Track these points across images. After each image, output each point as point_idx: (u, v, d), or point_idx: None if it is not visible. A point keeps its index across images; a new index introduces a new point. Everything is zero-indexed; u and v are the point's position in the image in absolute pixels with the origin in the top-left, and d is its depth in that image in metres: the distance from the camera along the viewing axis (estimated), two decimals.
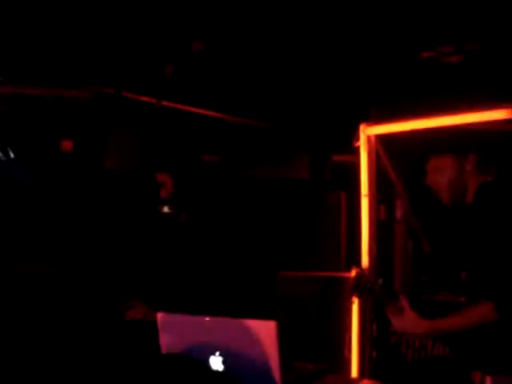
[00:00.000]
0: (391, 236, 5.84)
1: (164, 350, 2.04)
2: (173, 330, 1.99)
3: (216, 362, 1.90)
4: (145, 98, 4.46)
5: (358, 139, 4.92)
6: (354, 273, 2.54)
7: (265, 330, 1.79)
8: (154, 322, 2.32)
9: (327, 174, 6.35)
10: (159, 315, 2.00)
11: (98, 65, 3.94)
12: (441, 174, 2.45)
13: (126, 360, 2.63)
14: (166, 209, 6.11)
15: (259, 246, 5.34)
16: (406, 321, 2.28)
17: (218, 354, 1.89)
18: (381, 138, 4.89)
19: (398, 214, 6.05)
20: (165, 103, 4.56)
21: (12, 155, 3.92)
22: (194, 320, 1.93)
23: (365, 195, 4.78)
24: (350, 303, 4.62)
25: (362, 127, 4.83)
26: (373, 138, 4.82)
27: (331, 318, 4.78)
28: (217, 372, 1.90)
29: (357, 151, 5.09)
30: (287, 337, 1.95)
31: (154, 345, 2.22)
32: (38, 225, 4.60)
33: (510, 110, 4.07)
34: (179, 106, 4.67)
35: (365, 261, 4.71)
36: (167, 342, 2.00)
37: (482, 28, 3.81)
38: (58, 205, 4.69)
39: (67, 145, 4.81)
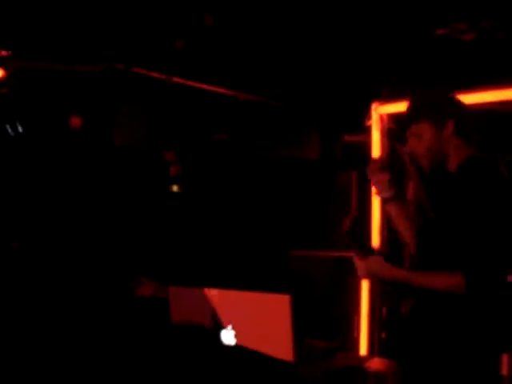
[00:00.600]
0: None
1: (175, 323, 2.02)
2: (184, 304, 1.97)
3: (228, 336, 1.87)
4: (155, 74, 4.41)
5: (369, 118, 4.88)
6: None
7: (278, 304, 1.76)
8: (165, 299, 2.30)
9: (338, 154, 6.31)
10: (170, 289, 1.97)
11: (107, 39, 3.89)
12: (419, 140, 2.44)
13: (136, 335, 2.61)
14: (175, 188, 6.12)
15: (270, 225, 5.34)
16: (372, 263, 2.30)
17: (229, 327, 1.86)
18: (393, 117, 4.85)
19: (409, 194, 6.01)
20: (175, 79, 4.51)
21: (20, 129, 3.90)
22: (206, 293, 1.91)
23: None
24: (360, 283, 4.61)
25: (373, 106, 4.79)
26: (385, 117, 4.78)
27: (341, 298, 4.77)
28: (228, 346, 1.88)
29: (368, 130, 5.05)
30: (298, 315, 1.93)
31: (164, 320, 2.20)
32: (47, 201, 4.59)
33: None
34: (189, 83, 4.62)
35: (375, 241, 4.69)
36: (179, 315, 1.98)
37: (497, 5, 3.74)
38: (66, 181, 4.67)
39: (76, 121, 4.77)
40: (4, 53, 3.93)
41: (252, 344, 1.80)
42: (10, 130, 3.84)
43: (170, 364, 2.06)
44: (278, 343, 1.80)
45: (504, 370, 1.85)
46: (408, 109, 2.55)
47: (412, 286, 2.32)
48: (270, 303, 1.81)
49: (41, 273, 3.92)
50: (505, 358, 1.87)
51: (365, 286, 4.57)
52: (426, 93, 2.59)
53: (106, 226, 4.65)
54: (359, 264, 2.39)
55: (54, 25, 3.86)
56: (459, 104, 2.52)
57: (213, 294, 1.90)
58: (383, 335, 4.52)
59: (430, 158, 2.44)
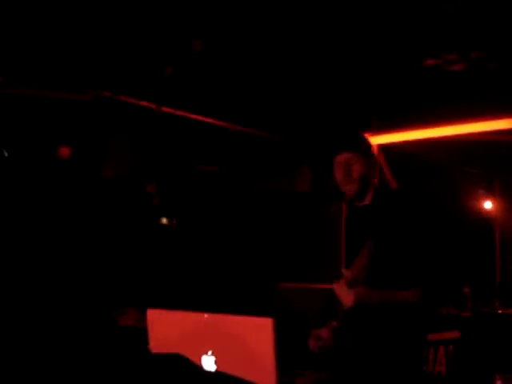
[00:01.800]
0: None
1: (154, 348, 1.95)
2: (163, 328, 1.90)
3: (208, 362, 1.80)
4: (144, 103, 4.40)
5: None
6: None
7: (260, 328, 1.69)
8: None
9: (329, 186, 6.28)
10: (148, 312, 1.90)
11: (96, 67, 3.88)
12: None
13: (116, 364, 2.54)
14: (164, 220, 6.06)
15: (258, 257, 5.28)
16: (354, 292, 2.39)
17: (210, 353, 1.79)
18: (382, 149, 4.84)
19: None
20: (164, 109, 4.49)
21: (6, 154, 3.85)
22: (185, 316, 1.84)
23: None
24: None
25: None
26: (375, 148, 4.77)
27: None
28: (209, 372, 1.80)
29: None
30: (287, 347, 1.87)
31: (145, 350, 2.13)
32: (36, 231, 4.53)
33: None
34: (179, 113, 4.60)
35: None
36: (157, 340, 1.91)
37: (487, 36, 3.75)
38: (54, 211, 4.62)
39: (65, 151, 4.74)
40: None
41: (233, 370, 1.73)
42: None
43: None
44: (260, 369, 1.73)
45: None
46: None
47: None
48: (252, 327, 1.74)
49: (30, 298, 3.85)
50: (498, 379, 1.85)
51: None
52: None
53: (93, 255, 4.58)
54: (346, 293, 2.47)
55: (44, 52, 3.85)
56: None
57: (193, 317, 1.83)
58: None
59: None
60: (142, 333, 2.44)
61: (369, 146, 2.75)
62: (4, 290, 3.99)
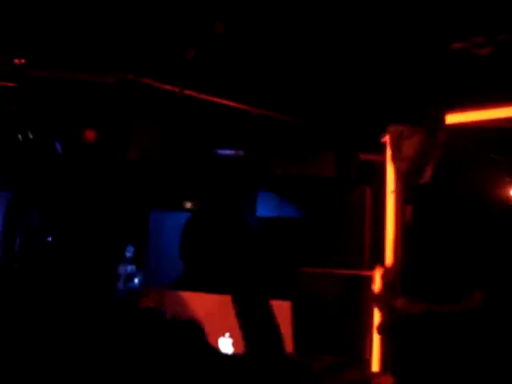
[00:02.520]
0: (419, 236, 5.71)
1: (172, 327, 1.95)
2: (180, 309, 1.89)
3: (225, 344, 1.79)
4: (168, 87, 4.38)
5: (385, 134, 4.80)
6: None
7: (279, 311, 1.68)
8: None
9: (353, 172, 6.23)
10: (165, 293, 1.90)
11: (120, 50, 3.87)
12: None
13: (135, 346, 2.55)
14: (188, 204, 6.09)
15: (281, 242, 5.27)
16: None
17: (227, 335, 1.78)
18: None
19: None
20: (188, 92, 4.48)
21: (31, 136, 3.89)
22: (202, 298, 1.83)
23: (391, 192, 4.66)
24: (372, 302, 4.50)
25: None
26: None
27: (353, 316, 4.67)
28: (226, 355, 1.80)
29: (384, 148, 4.97)
30: (308, 332, 1.86)
31: (163, 329, 2.14)
32: (61, 214, 4.58)
33: None
34: (202, 96, 4.58)
35: (389, 260, 4.58)
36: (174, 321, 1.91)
37: None
38: (82, 194, 4.66)
39: (90, 135, 4.76)
40: (18, 61, 3.94)
41: (251, 352, 1.72)
42: (20, 137, 3.83)
43: (167, 375, 1.99)
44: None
45: None
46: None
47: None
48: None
49: (44, 280, 3.89)
50: None
51: None
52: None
53: (118, 237, 4.62)
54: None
55: (68, 34, 3.86)
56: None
57: (211, 299, 1.82)
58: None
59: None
60: (160, 315, 2.46)
61: (426, 117, 2.47)
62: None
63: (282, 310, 1.68)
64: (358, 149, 6.06)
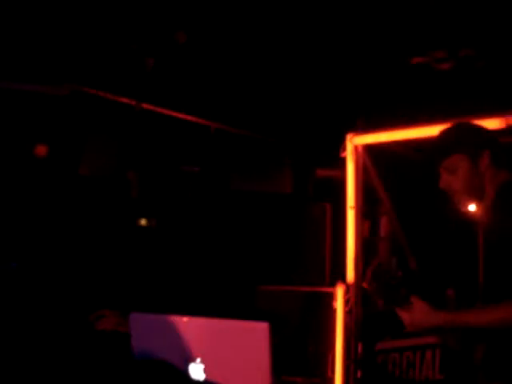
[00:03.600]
0: (375, 253, 5.70)
1: (137, 355, 1.82)
2: (147, 333, 1.77)
3: (196, 370, 1.67)
4: (124, 100, 4.26)
5: (344, 149, 4.77)
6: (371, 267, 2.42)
7: (254, 333, 1.57)
8: (128, 333, 2.11)
9: (310, 188, 6.21)
10: (131, 315, 1.77)
11: (74, 60, 3.73)
12: (453, 175, 2.32)
13: (96, 371, 2.41)
14: (143, 221, 5.93)
15: (240, 260, 5.17)
16: (416, 313, 2.12)
17: (198, 360, 1.67)
18: (368, 150, 4.74)
19: (383, 230, 5.91)
20: (145, 106, 4.36)
21: None
22: (171, 321, 1.71)
23: (351, 207, 4.62)
24: (334, 320, 4.43)
25: (348, 136, 4.67)
26: (360, 149, 4.66)
27: (314, 335, 4.58)
28: (197, 382, 1.68)
29: (343, 163, 4.94)
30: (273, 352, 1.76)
31: (126, 355, 2.01)
32: (8, 230, 4.39)
33: (502, 119, 3.95)
34: (160, 110, 4.47)
35: (350, 276, 4.53)
36: (140, 346, 1.78)
37: (477, 33, 3.68)
38: (30, 210, 4.48)
39: (41, 150, 4.61)
40: None
41: (224, 379, 1.61)
42: None
43: None
44: (254, 378, 1.61)
45: None
46: (439, 143, 2.47)
47: (468, 325, 2.16)
48: (245, 332, 1.62)
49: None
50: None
51: (339, 321, 4.39)
52: (455, 126, 2.54)
53: (69, 256, 4.45)
54: (404, 316, 2.21)
55: (19, 44, 3.70)
56: (490, 133, 2.47)
57: (180, 321, 1.71)
58: (358, 374, 4.33)
59: (467, 192, 2.36)
60: (123, 338, 2.32)
61: (480, 147, 2.42)
62: None
63: (257, 332, 1.57)
64: (315, 165, 6.05)
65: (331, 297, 4.53)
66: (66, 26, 3.40)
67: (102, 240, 4.71)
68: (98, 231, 4.74)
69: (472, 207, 5.90)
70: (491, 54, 3.76)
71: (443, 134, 2.50)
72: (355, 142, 4.61)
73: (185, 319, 1.69)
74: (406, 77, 4.21)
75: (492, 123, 4.07)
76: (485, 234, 2.34)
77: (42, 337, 3.36)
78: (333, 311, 4.44)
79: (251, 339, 1.60)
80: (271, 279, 4.89)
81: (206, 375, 1.67)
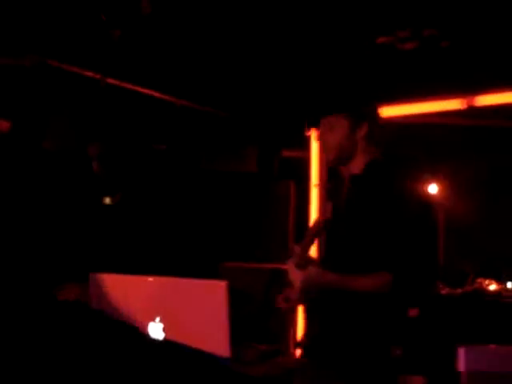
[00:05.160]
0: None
1: (96, 316, 1.83)
2: (106, 293, 1.78)
3: (156, 329, 1.69)
4: (89, 73, 4.21)
5: (308, 128, 4.80)
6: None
7: (213, 292, 1.60)
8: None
9: (275, 168, 6.23)
10: (91, 276, 1.78)
11: (39, 31, 3.68)
12: (331, 132, 2.43)
13: (56, 339, 2.41)
14: (107, 200, 5.89)
15: (204, 237, 5.18)
16: (308, 272, 2.22)
17: (157, 320, 1.68)
18: None
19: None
20: (110, 80, 4.32)
21: None
22: (130, 281, 1.73)
23: (315, 185, 4.67)
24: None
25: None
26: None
27: (277, 311, 4.63)
28: (156, 341, 1.70)
29: (308, 142, 4.98)
30: (233, 326, 1.79)
31: (85, 321, 2.01)
32: None
33: (464, 100, 4.02)
34: (125, 85, 4.44)
35: (312, 253, 4.58)
36: (100, 307, 1.79)
37: (441, 13, 3.73)
38: None
39: (4, 125, 4.54)
40: None
41: (183, 338, 1.63)
42: None
43: (92, 364, 1.87)
44: (213, 337, 1.63)
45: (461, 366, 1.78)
46: (330, 98, 2.53)
47: (341, 289, 2.28)
48: (204, 291, 1.65)
49: None
50: (461, 352, 1.78)
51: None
52: (349, 87, 2.61)
53: (33, 230, 4.40)
54: (295, 274, 2.30)
55: None
56: (375, 108, 2.54)
57: (139, 281, 1.72)
58: None
59: (337, 152, 2.44)
60: (84, 306, 2.32)
61: (355, 106, 2.50)
62: None
63: (216, 290, 1.60)
64: (280, 144, 6.07)
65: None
66: None
67: (66, 216, 4.68)
68: (62, 207, 4.70)
69: (433, 188, 5.96)
70: (455, 34, 3.81)
71: (337, 90, 2.59)
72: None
73: (144, 279, 1.71)
74: (370, 56, 4.24)
75: (454, 104, 4.16)
76: (347, 203, 2.43)
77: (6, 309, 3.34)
78: None
79: (210, 298, 1.62)
80: (236, 256, 4.92)
81: (166, 334, 1.69)
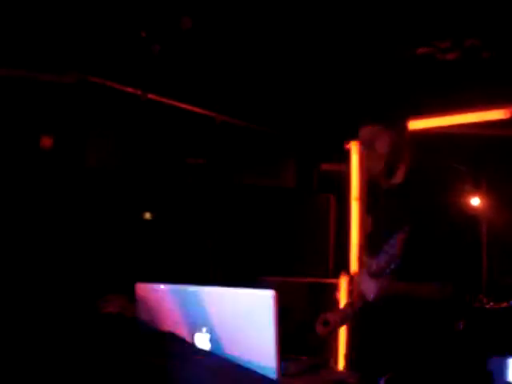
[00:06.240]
0: (378, 247, 5.69)
1: (143, 325, 1.83)
2: (153, 303, 1.78)
3: (202, 340, 1.68)
4: (130, 89, 4.26)
5: (348, 141, 4.78)
6: None
7: (260, 302, 1.58)
8: (133, 317, 2.12)
9: (314, 182, 6.20)
10: (137, 286, 1.78)
11: (80, 48, 3.74)
12: (376, 145, 2.39)
13: (101, 352, 2.42)
14: (147, 215, 5.95)
15: (244, 252, 5.18)
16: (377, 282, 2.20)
17: (204, 330, 1.68)
18: None
19: None
20: (150, 96, 4.37)
21: None
22: (177, 290, 1.72)
23: (355, 199, 4.63)
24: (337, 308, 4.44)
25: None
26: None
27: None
28: (203, 351, 1.69)
29: (347, 156, 4.95)
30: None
31: (131, 336, 2.02)
32: (16, 225, 4.39)
33: (507, 110, 3.96)
34: (165, 100, 4.48)
35: (354, 267, 4.54)
36: (146, 316, 1.79)
37: (482, 23, 3.68)
38: (37, 204, 4.48)
39: (47, 141, 4.61)
40: None
41: (230, 348, 1.62)
42: None
43: (136, 376, 1.87)
44: (260, 348, 1.62)
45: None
46: (368, 109, 2.53)
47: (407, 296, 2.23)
48: (251, 301, 1.63)
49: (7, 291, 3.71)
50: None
51: None
52: (390, 98, 2.60)
53: (76, 245, 4.46)
54: (368, 284, 2.27)
55: (28, 31, 3.71)
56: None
57: (186, 290, 1.72)
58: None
59: (383, 165, 2.42)
60: (129, 321, 2.33)
61: (397, 116, 2.48)
62: None
63: (264, 301, 1.58)
64: (319, 158, 6.05)
65: (335, 288, 4.54)
66: (73, 13, 3.40)
67: (108, 231, 4.73)
68: (103, 222, 4.75)
69: (475, 201, 5.87)
70: (496, 44, 3.76)
71: (378, 102, 2.57)
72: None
73: (190, 288, 1.71)
74: (411, 68, 4.21)
75: (496, 114, 4.10)
76: (387, 212, 2.39)
77: (49, 322, 3.37)
78: (336, 302, 4.45)
79: (257, 308, 1.60)
80: (276, 270, 4.90)
81: (212, 344, 1.68)
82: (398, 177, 2.44)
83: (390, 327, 2.36)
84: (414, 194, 2.37)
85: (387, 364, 2.29)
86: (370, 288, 2.22)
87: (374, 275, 2.26)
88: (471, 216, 2.42)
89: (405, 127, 2.48)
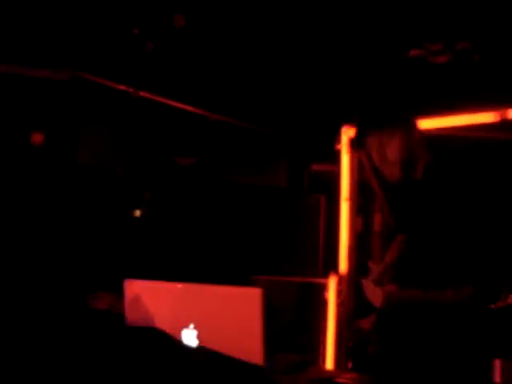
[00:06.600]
0: (368, 248, 5.72)
1: (130, 321, 1.83)
2: (141, 299, 1.78)
3: (189, 336, 1.69)
4: (122, 87, 4.26)
5: (339, 141, 4.79)
6: None
7: (248, 299, 1.59)
8: (122, 313, 2.13)
9: (305, 182, 6.22)
10: (125, 282, 1.79)
11: (73, 45, 3.74)
12: (388, 148, 2.38)
13: (89, 347, 2.42)
14: (137, 213, 5.95)
15: (234, 251, 5.19)
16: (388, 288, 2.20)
17: (191, 326, 1.69)
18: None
19: (376, 225, 5.92)
20: (143, 94, 4.37)
21: None
22: (165, 287, 1.73)
23: (345, 199, 4.64)
24: (326, 311, 4.46)
25: (344, 129, 4.69)
26: (355, 141, 4.68)
27: (306, 326, 4.61)
28: (190, 348, 1.70)
29: (338, 156, 4.95)
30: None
31: (119, 333, 2.03)
32: (6, 222, 4.39)
33: (497, 113, 3.98)
34: (157, 98, 4.48)
35: (343, 268, 4.55)
36: (134, 312, 1.79)
37: (474, 26, 3.71)
38: (27, 201, 4.48)
39: (37, 138, 4.60)
40: None
41: (216, 345, 1.63)
42: None
43: (124, 371, 1.87)
44: (246, 344, 1.63)
45: (497, 377, 1.74)
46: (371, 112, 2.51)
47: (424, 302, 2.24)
48: (238, 298, 1.64)
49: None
50: (497, 364, 1.75)
51: (331, 312, 4.42)
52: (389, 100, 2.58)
53: (66, 242, 4.46)
54: (373, 291, 2.27)
55: (19, 28, 3.71)
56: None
57: (173, 287, 1.73)
58: (350, 365, 4.36)
59: (400, 164, 2.39)
60: (116, 317, 2.34)
61: (404, 119, 2.44)
62: None
63: (251, 298, 1.59)
64: (310, 158, 6.06)
65: (324, 288, 4.55)
66: (67, 10, 3.40)
67: (98, 228, 4.73)
68: (94, 218, 4.75)
69: None
70: (488, 47, 3.78)
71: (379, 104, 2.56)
72: (350, 133, 4.64)
73: (178, 285, 1.72)
74: (401, 70, 4.22)
75: (487, 117, 4.12)
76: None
77: (38, 318, 3.38)
78: (325, 302, 4.46)
79: (244, 305, 1.62)
80: (266, 270, 4.91)
81: (199, 341, 1.69)
82: (418, 174, 2.40)
83: (415, 332, 2.31)
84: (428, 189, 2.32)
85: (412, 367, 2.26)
86: (375, 296, 2.21)
87: (376, 282, 2.25)
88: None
89: (413, 127, 2.44)
